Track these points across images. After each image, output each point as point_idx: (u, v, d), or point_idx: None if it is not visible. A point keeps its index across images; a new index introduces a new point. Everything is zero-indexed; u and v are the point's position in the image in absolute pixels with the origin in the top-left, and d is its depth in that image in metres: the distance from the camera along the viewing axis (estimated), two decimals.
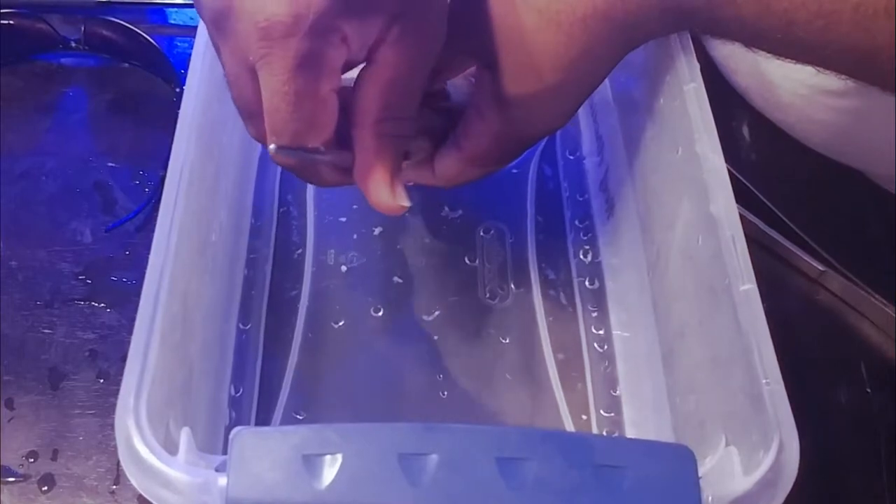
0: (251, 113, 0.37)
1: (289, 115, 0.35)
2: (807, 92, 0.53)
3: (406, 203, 0.39)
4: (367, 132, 0.37)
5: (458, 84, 0.44)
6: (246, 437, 0.29)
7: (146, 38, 0.58)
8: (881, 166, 0.54)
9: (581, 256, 0.51)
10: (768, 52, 0.39)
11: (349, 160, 0.38)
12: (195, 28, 0.43)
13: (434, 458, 0.29)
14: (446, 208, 0.52)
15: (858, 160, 0.56)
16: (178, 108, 0.40)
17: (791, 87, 0.54)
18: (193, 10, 0.62)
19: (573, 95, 0.41)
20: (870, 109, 0.50)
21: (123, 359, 0.32)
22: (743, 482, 0.31)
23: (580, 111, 0.44)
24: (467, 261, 0.50)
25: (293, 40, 0.33)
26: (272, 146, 0.36)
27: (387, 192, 0.38)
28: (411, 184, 0.44)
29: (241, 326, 0.46)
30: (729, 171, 0.38)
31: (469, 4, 0.40)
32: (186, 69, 0.41)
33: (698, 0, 0.38)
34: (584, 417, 0.45)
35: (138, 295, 0.34)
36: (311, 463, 0.29)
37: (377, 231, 0.51)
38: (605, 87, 0.54)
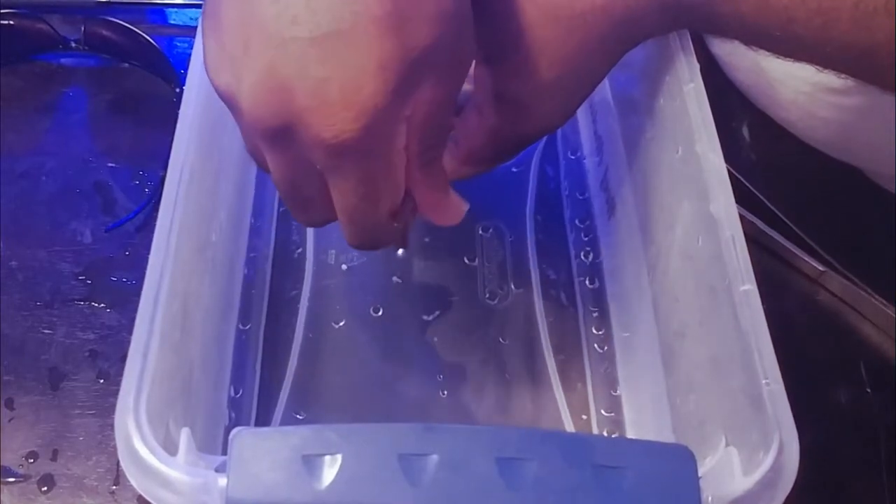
0: (307, 205, 0.36)
1: (369, 211, 0.35)
2: (809, 89, 0.53)
3: (466, 205, 0.39)
4: (418, 174, 0.36)
5: None
6: (246, 438, 0.29)
7: (146, 39, 0.58)
8: (883, 165, 0.54)
9: (582, 256, 0.51)
10: (767, 50, 0.39)
11: (410, 209, 0.38)
12: (195, 28, 0.43)
13: (434, 458, 0.29)
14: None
15: (860, 158, 0.56)
16: (178, 108, 0.40)
17: (793, 84, 0.54)
18: (193, 10, 0.63)
19: (571, 93, 0.41)
20: (872, 107, 0.50)
21: (123, 359, 0.32)
22: (743, 482, 0.31)
23: (580, 110, 0.44)
24: (467, 261, 0.50)
25: (365, 147, 0.32)
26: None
27: (453, 211, 0.39)
28: None
29: (241, 326, 0.46)
30: (729, 171, 0.38)
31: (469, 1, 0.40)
32: (186, 69, 0.41)
33: None
34: (584, 417, 0.45)
35: (138, 295, 0.34)
36: (310, 463, 0.29)
37: None
38: (605, 87, 0.54)
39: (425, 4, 0.31)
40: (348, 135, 0.31)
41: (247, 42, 0.31)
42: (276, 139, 0.33)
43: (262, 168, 0.37)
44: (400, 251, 0.44)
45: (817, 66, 0.39)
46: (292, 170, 0.34)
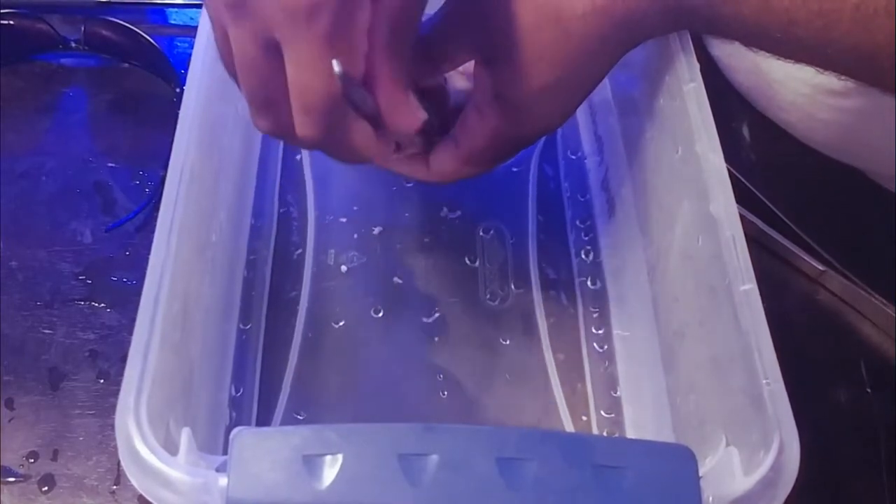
0: (267, 101, 0.35)
1: (324, 91, 0.33)
2: (809, 91, 0.53)
3: (423, 114, 0.38)
4: (380, 64, 0.35)
5: (457, 83, 0.44)
6: (246, 438, 0.29)
7: (146, 39, 0.58)
8: (884, 166, 0.54)
9: (582, 256, 0.51)
10: (768, 52, 0.39)
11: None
12: (195, 28, 0.43)
13: (434, 458, 0.29)
14: (446, 209, 0.52)
15: (861, 160, 0.56)
16: (179, 108, 0.40)
17: (793, 86, 0.54)
18: (193, 10, 0.63)
19: (571, 93, 0.41)
20: (872, 109, 0.50)
21: (123, 359, 0.32)
22: (743, 482, 0.31)
23: (580, 111, 0.44)
24: (467, 261, 0.50)
25: (324, 13, 0.31)
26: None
27: (409, 113, 0.37)
28: (406, 180, 0.44)
29: (241, 326, 0.46)
30: (729, 170, 0.38)
31: (469, 1, 0.40)
32: (186, 69, 0.41)
33: None
34: (585, 418, 0.45)
35: (138, 295, 0.34)
36: (311, 463, 0.29)
37: (377, 231, 0.51)
38: (605, 87, 0.54)
39: None
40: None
41: None
42: (237, 7, 0.33)
43: (230, 71, 0.36)
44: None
45: (818, 68, 0.39)
46: (254, 45, 0.34)
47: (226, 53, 0.36)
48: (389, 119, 0.37)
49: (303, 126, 0.35)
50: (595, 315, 0.49)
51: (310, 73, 0.33)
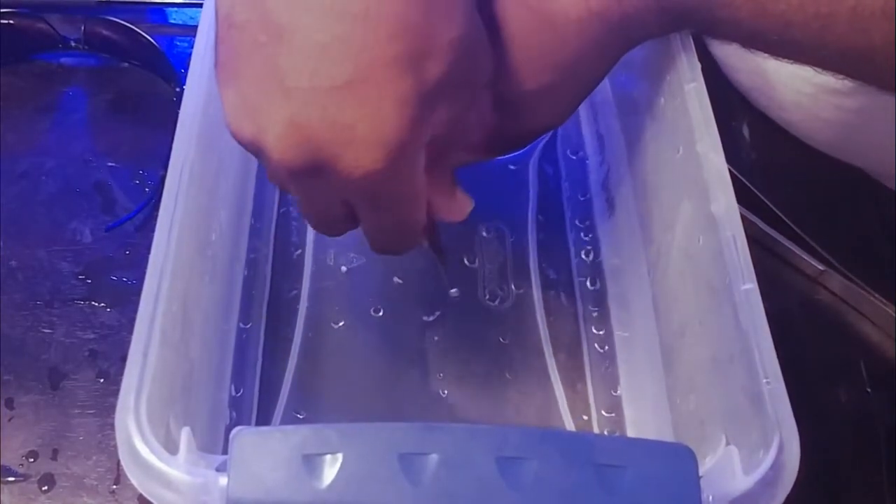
0: (333, 228, 0.38)
1: (397, 229, 0.37)
2: (811, 90, 0.53)
3: (472, 202, 0.41)
4: (431, 180, 0.38)
5: None
6: (246, 437, 0.29)
7: (146, 38, 0.58)
8: (885, 165, 0.54)
9: (582, 256, 0.51)
10: (765, 53, 0.39)
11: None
12: (195, 28, 0.43)
13: (434, 457, 0.29)
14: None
15: (863, 159, 0.56)
16: (179, 107, 0.40)
17: (795, 85, 0.54)
18: (193, 9, 0.63)
19: (569, 95, 0.41)
20: (874, 108, 0.50)
21: (123, 358, 0.32)
22: (743, 482, 0.31)
23: (580, 111, 0.44)
24: (467, 261, 0.50)
25: (392, 178, 0.33)
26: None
27: (461, 208, 0.41)
28: None
29: (241, 326, 0.46)
30: (729, 170, 0.38)
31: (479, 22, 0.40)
32: (186, 69, 0.41)
33: (695, 1, 0.38)
34: (585, 417, 0.45)
35: (138, 294, 0.34)
36: (311, 463, 0.29)
37: None
38: (606, 87, 0.54)
39: (436, 38, 0.32)
40: (376, 173, 0.32)
41: (268, 95, 0.32)
42: (304, 180, 0.34)
43: (286, 191, 0.39)
44: (453, 291, 0.48)
45: (815, 69, 0.39)
46: (321, 202, 0.36)
47: (285, 189, 0.38)
48: (445, 217, 0.41)
49: (377, 247, 0.40)
50: (595, 315, 0.49)
51: (385, 223, 0.37)
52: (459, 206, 0.41)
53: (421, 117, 0.32)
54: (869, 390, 0.49)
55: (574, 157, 0.56)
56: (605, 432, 0.45)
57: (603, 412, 0.46)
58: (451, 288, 0.48)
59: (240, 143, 0.35)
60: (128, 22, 0.58)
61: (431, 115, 0.33)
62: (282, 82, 0.31)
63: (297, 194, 0.36)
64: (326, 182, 0.33)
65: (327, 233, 0.40)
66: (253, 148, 0.34)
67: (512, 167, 0.54)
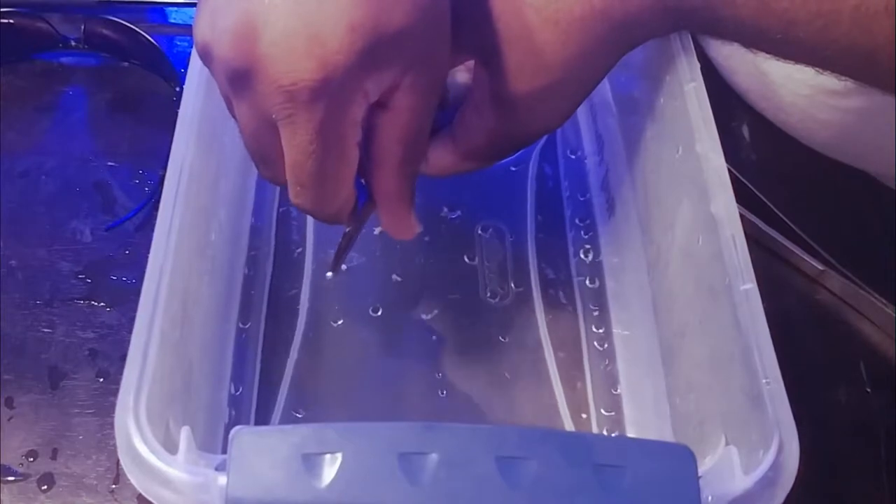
0: (266, 159, 0.37)
1: (314, 171, 0.36)
2: (809, 92, 0.53)
3: (419, 228, 0.41)
4: (390, 177, 0.38)
5: (458, 76, 0.44)
6: (245, 437, 0.29)
7: (146, 38, 0.58)
8: (885, 165, 0.54)
9: (581, 255, 0.51)
10: (768, 53, 0.39)
11: (368, 211, 0.41)
12: None
13: (434, 457, 0.29)
14: (445, 208, 0.52)
15: (862, 160, 0.56)
16: (178, 107, 0.40)
17: (793, 87, 0.53)
18: (193, 8, 0.62)
19: (571, 95, 0.41)
20: (872, 109, 0.50)
21: (123, 358, 0.32)
22: (743, 482, 0.31)
23: (580, 110, 0.44)
24: (467, 260, 0.50)
25: (319, 102, 0.33)
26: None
27: (409, 226, 0.41)
28: None
29: (240, 325, 0.46)
30: (729, 170, 0.38)
31: (469, 2, 0.40)
32: (186, 68, 0.41)
33: (697, 0, 0.38)
34: (584, 416, 0.45)
35: (138, 294, 0.34)
36: (310, 462, 0.29)
37: (377, 231, 0.51)
38: (606, 87, 0.54)
39: None
40: (304, 83, 0.33)
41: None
42: (238, 83, 0.34)
43: (249, 145, 0.38)
44: (329, 274, 0.46)
45: (817, 69, 0.39)
46: (252, 119, 0.35)
47: (233, 112, 0.37)
48: (392, 232, 0.41)
49: (292, 192, 0.37)
50: (595, 314, 0.49)
51: (301, 156, 0.35)
52: (408, 226, 0.41)
53: (366, 57, 0.33)
54: (869, 390, 0.49)
55: (574, 157, 0.56)
56: (605, 431, 0.45)
57: (602, 411, 0.46)
58: (328, 272, 0.46)
59: (195, 47, 0.36)
60: (128, 21, 0.58)
61: (379, 66, 0.34)
62: None
63: (235, 108, 0.36)
64: (257, 89, 0.34)
65: (262, 170, 0.39)
66: (203, 48, 0.35)
67: (512, 167, 0.54)
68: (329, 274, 0.44)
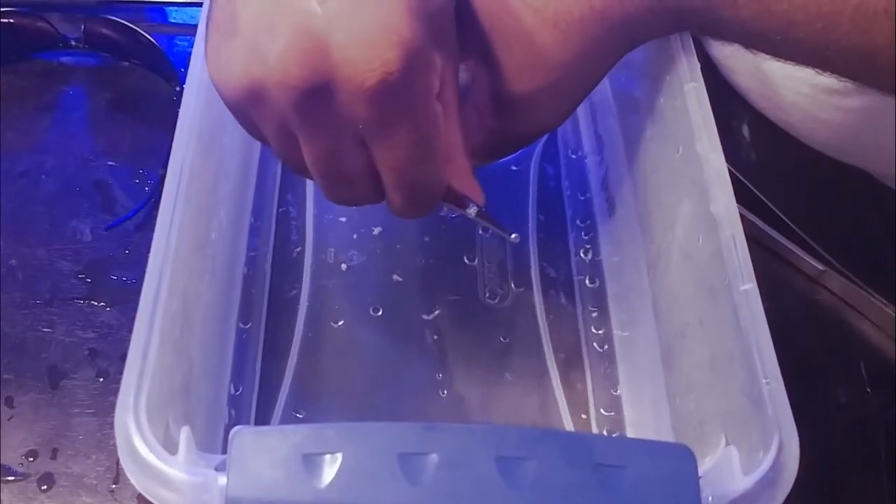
0: (349, 179, 0.36)
1: (423, 163, 0.35)
2: (810, 91, 0.53)
3: (483, 194, 0.41)
4: (453, 154, 0.38)
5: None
6: (245, 436, 0.29)
7: (146, 37, 0.58)
8: (885, 165, 0.54)
9: (582, 255, 0.51)
10: (768, 54, 0.39)
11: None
12: (195, 27, 0.43)
13: (434, 457, 0.29)
14: (446, 208, 0.52)
15: (862, 160, 0.56)
16: (179, 106, 0.40)
17: (793, 86, 0.53)
18: (193, 8, 0.63)
19: (570, 95, 0.41)
20: (873, 109, 0.50)
21: (123, 357, 0.32)
22: (743, 482, 0.31)
23: (581, 110, 0.44)
24: (467, 260, 0.50)
25: (411, 90, 0.32)
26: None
27: (480, 190, 0.41)
28: None
29: (240, 325, 0.46)
30: (729, 170, 0.38)
31: (468, 2, 0.40)
32: (187, 68, 0.41)
33: (697, 1, 0.38)
34: (584, 417, 0.45)
35: (138, 294, 0.34)
36: (310, 462, 0.29)
37: (377, 230, 0.51)
38: (606, 87, 0.54)
39: None
40: (394, 76, 0.31)
41: (271, 22, 0.31)
42: (311, 105, 0.32)
43: (291, 165, 0.36)
44: (513, 236, 0.43)
45: (817, 70, 0.39)
46: (331, 142, 0.34)
47: (290, 153, 0.36)
48: (472, 195, 0.40)
49: (402, 201, 0.37)
50: (595, 314, 0.49)
51: (406, 154, 0.34)
52: (477, 189, 0.40)
53: (429, 34, 0.32)
54: (869, 390, 0.49)
55: (574, 157, 0.56)
56: (605, 432, 0.45)
57: (602, 411, 0.46)
58: (511, 233, 0.44)
59: (233, 97, 0.34)
60: (128, 21, 0.58)
61: (435, 42, 0.33)
62: (286, 7, 0.31)
63: (306, 137, 0.34)
64: (336, 103, 0.32)
65: (341, 194, 0.37)
66: (249, 89, 0.33)
67: (513, 167, 0.54)
68: (513, 235, 0.43)
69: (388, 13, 0.31)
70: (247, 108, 0.34)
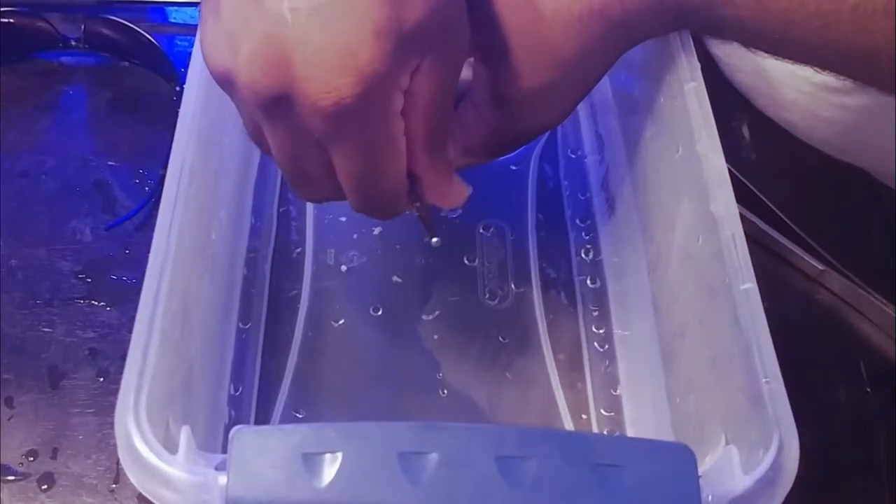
0: (308, 179, 0.37)
1: (373, 177, 0.35)
2: (811, 89, 0.53)
3: (469, 188, 0.40)
4: (422, 154, 0.38)
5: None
6: (246, 436, 0.29)
7: (146, 37, 0.58)
8: (886, 164, 0.54)
9: (582, 255, 0.51)
10: (767, 52, 0.39)
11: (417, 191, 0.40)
12: (195, 27, 0.43)
13: (434, 457, 0.29)
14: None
15: (862, 158, 0.56)
16: (179, 106, 0.40)
17: (795, 84, 0.53)
18: (193, 8, 0.63)
19: (569, 93, 0.41)
20: (874, 107, 0.50)
21: (123, 357, 0.32)
22: (743, 481, 0.31)
23: (580, 110, 0.44)
24: (467, 260, 0.50)
25: (365, 113, 0.33)
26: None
27: (455, 192, 0.40)
28: None
29: (240, 325, 0.46)
30: (729, 170, 0.38)
31: (468, 1, 0.40)
32: (187, 68, 0.41)
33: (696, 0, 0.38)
34: (584, 417, 0.45)
35: (138, 293, 0.34)
36: (310, 462, 0.29)
37: (377, 231, 0.51)
38: (606, 86, 0.54)
39: None
40: (347, 101, 0.32)
41: (245, 17, 0.32)
42: (273, 109, 0.33)
43: (264, 150, 0.37)
44: (434, 240, 0.43)
45: (816, 69, 0.39)
46: (292, 142, 0.35)
47: (260, 140, 0.37)
48: (440, 203, 0.40)
49: (356, 202, 0.37)
50: (595, 314, 0.49)
51: (357, 166, 0.35)
52: (454, 193, 0.40)
53: (396, 55, 0.32)
54: (869, 390, 0.49)
55: (574, 156, 0.56)
56: (605, 432, 0.45)
57: (602, 411, 0.46)
58: (433, 237, 0.44)
59: (212, 73, 0.35)
60: (128, 21, 0.58)
61: (407, 59, 0.33)
62: (260, 4, 0.32)
63: (269, 134, 0.35)
64: (296, 114, 0.33)
65: (304, 190, 0.38)
66: (224, 75, 0.34)
67: (512, 167, 0.54)
68: (434, 240, 0.43)
69: (353, 34, 0.31)
70: (223, 86, 0.35)
